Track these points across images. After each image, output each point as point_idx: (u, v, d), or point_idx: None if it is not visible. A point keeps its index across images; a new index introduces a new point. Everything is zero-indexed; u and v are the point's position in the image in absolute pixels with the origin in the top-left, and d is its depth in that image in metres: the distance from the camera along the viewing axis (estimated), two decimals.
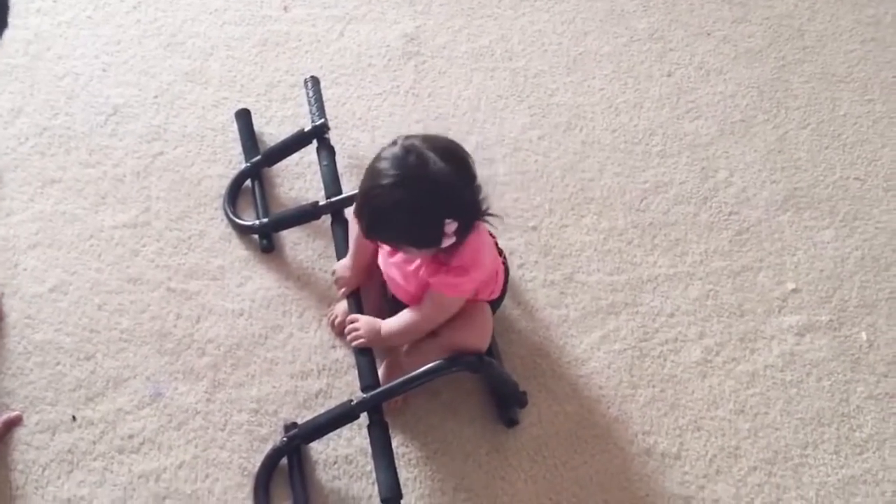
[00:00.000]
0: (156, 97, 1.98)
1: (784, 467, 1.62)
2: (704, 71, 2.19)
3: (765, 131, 2.10)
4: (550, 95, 2.10)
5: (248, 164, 1.86)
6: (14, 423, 1.53)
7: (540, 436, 1.61)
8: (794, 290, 1.85)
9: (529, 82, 2.12)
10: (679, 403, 1.68)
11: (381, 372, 1.59)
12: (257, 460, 1.53)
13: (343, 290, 1.66)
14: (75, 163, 1.86)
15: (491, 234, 1.55)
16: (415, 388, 1.53)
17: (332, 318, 1.69)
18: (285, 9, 2.18)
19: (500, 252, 1.62)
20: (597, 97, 2.11)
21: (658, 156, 2.02)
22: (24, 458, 1.51)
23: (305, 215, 1.77)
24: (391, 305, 1.63)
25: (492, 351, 1.60)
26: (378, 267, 1.66)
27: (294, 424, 1.56)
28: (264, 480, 1.51)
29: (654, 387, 1.69)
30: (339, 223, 1.73)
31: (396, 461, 1.48)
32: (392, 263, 1.53)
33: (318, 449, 1.56)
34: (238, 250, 1.78)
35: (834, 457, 1.64)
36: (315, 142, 1.82)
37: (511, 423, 1.61)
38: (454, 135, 1.47)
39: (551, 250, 1.85)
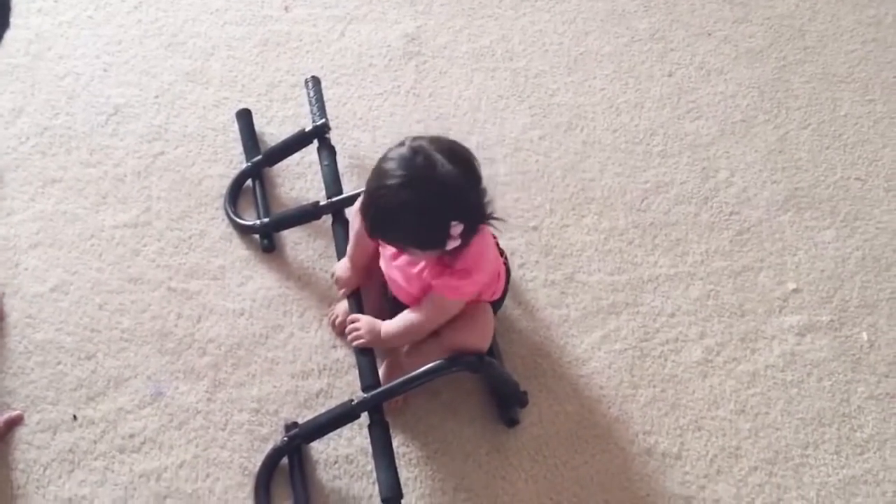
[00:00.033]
0: (157, 97, 1.98)
1: (785, 467, 1.62)
2: (705, 71, 2.19)
3: (765, 131, 2.10)
4: (551, 95, 2.10)
5: (249, 164, 1.86)
6: (15, 422, 1.53)
7: (540, 436, 1.61)
8: (795, 291, 1.85)
9: (530, 82, 2.12)
10: (680, 403, 1.68)
11: (381, 372, 1.59)
12: (258, 460, 1.53)
13: (343, 290, 1.66)
14: (76, 162, 1.86)
15: (493, 235, 1.55)
16: (415, 387, 1.53)
17: (332, 318, 1.69)
18: (286, 9, 2.18)
19: (502, 252, 1.62)
20: (598, 97, 2.11)
21: (659, 156, 2.02)
22: (25, 457, 1.51)
23: (306, 215, 1.77)
24: (392, 306, 1.63)
25: (492, 351, 1.60)
26: (378, 267, 1.66)
27: (295, 424, 1.56)
28: (265, 480, 1.51)
29: (654, 387, 1.69)
30: (340, 223, 1.73)
31: (397, 461, 1.48)
32: (395, 266, 1.53)
33: (319, 448, 1.56)
34: (239, 250, 1.78)
35: (835, 457, 1.64)
36: (316, 142, 1.83)
37: (512, 422, 1.61)
38: (455, 135, 1.47)
39: (552, 250, 1.85)
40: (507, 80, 2.11)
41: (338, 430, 1.55)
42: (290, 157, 1.87)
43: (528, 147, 2.00)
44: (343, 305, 1.67)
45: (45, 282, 1.69)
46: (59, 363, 1.61)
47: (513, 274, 1.70)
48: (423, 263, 1.47)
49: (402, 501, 1.45)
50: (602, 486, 1.57)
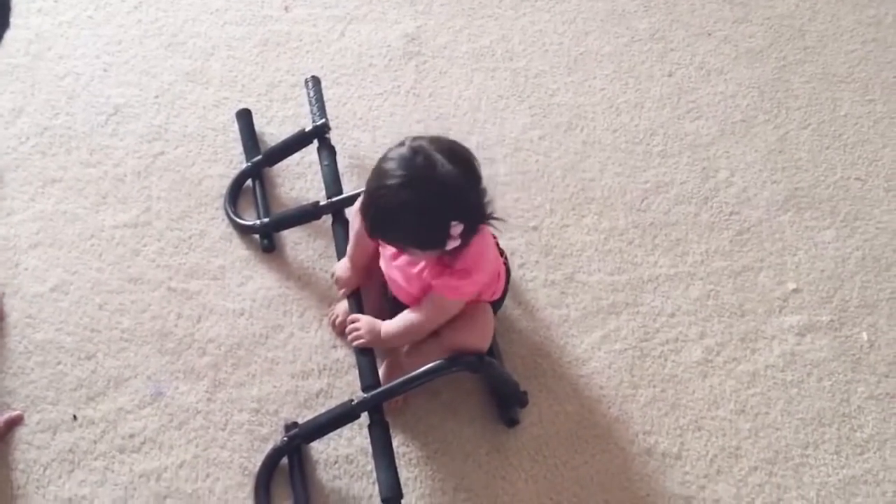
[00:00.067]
0: (157, 97, 1.98)
1: (785, 467, 1.62)
2: (705, 71, 2.19)
3: (765, 131, 2.10)
4: (551, 95, 2.10)
5: (249, 164, 1.86)
6: (15, 422, 1.53)
7: (540, 435, 1.61)
8: (795, 291, 1.85)
9: (530, 82, 2.12)
10: (680, 403, 1.68)
11: (381, 372, 1.59)
12: (258, 460, 1.53)
13: (343, 290, 1.66)
14: (76, 162, 1.86)
15: (493, 235, 1.55)
16: (415, 387, 1.53)
17: (332, 318, 1.69)
18: (286, 9, 2.18)
19: (502, 252, 1.62)
20: (598, 97, 2.11)
21: (659, 156, 2.02)
22: (25, 457, 1.51)
23: (306, 215, 1.77)
24: (391, 306, 1.63)
25: (492, 351, 1.60)
26: (378, 267, 1.66)
27: (295, 424, 1.56)
28: (265, 480, 1.51)
29: (654, 387, 1.69)
30: (340, 223, 1.73)
31: (397, 461, 1.48)
32: (395, 266, 1.53)
33: (319, 448, 1.56)
34: (239, 250, 1.78)
35: (835, 457, 1.64)
36: (316, 142, 1.83)
37: (512, 422, 1.61)
38: (455, 135, 1.47)
39: (552, 250, 1.85)
40: (507, 80, 2.11)
41: (338, 430, 1.55)
42: (290, 157, 1.87)
43: (528, 147, 2.00)
44: (343, 305, 1.67)
45: (45, 282, 1.69)
46: (59, 363, 1.61)
47: (513, 274, 1.70)
48: (423, 263, 1.47)
49: (402, 501, 1.45)
50: (602, 486, 1.57)
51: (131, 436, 1.54)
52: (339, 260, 1.69)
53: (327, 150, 1.81)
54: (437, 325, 1.51)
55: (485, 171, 1.42)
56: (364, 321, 1.58)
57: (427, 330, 1.53)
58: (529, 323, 1.74)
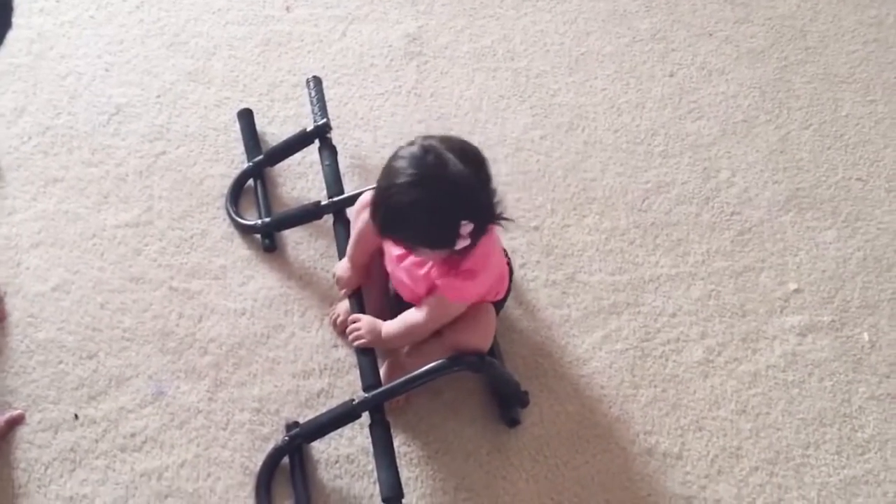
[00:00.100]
0: (158, 97, 1.98)
1: (786, 467, 1.62)
2: (707, 71, 2.19)
3: (767, 132, 2.10)
4: (552, 95, 2.10)
5: (251, 164, 1.86)
6: (16, 421, 1.53)
7: (541, 435, 1.61)
8: (796, 291, 1.85)
9: (531, 82, 2.12)
10: (681, 403, 1.68)
11: (382, 371, 1.59)
12: (259, 459, 1.53)
13: (344, 290, 1.66)
14: (78, 162, 1.86)
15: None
16: (416, 387, 1.53)
17: (333, 318, 1.69)
18: (288, 9, 2.19)
19: (505, 253, 1.62)
20: (599, 97, 2.11)
21: (660, 156, 2.02)
22: (26, 456, 1.51)
23: (307, 215, 1.77)
24: (393, 306, 1.63)
25: (493, 351, 1.60)
26: (379, 267, 1.66)
27: (296, 423, 1.56)
28: (266, 479, 1.51)
29: (655, 387, 1.69)
30: (342, 223, 1.73)
31: (398, 460, 1.48)
32: (402, 267, 1.52)
33: (320, 448, 1.56)
34: (240, 250, 1.78)
35: (836, 457, 1.64)
36: (317, 141, 1.83)
37: (513, 422, 1.61)
38: (456, 135, 1.47)
39: (553, 250, 1.85)
40: (508, 80, 2.11)
41: (339, 430, 1.55)
42: (291, 157, 1.87)
43: (529, 147, 2.00)
44: (344, 305, 1.67)
45: (47, 281, 1.70)
46: (60, 362, 1.61)
47: (514, 274, 1.70)
48: (430, 265, 1.47)
49: (403, 501, 1.45)
50: (603, 485, 1.57)
51: (132, 435, 1.55)
52: (340, 260, 1.69)
53: (328, 150, 1.81)
54: (438, 326, 1.51)
55: None
56: (365, 321, 1.58)
57: (428, 331, 1.53)
58: (530, 323, 1.74)
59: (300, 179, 1.89)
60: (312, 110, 1.86)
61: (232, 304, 1.70)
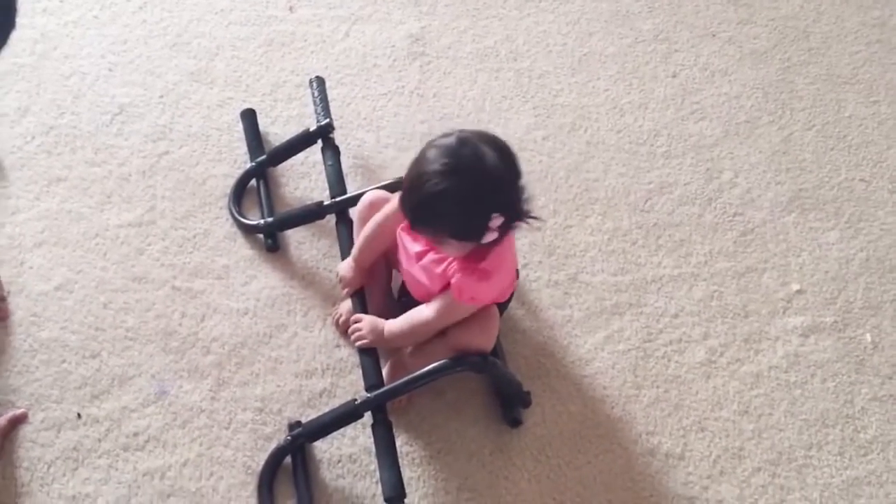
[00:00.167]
0: (161, 97, 1.99)
1: (788, 468, 1.62)
2: (709, 72, 2.19)
3: (770, 132, 2.10)
4: (555, 96, 2.10)
5: (253, 164, 1.86)
6: (19, 420, 1.53)
7: (544, 436, 1.61)
8: (799, 292, 1.85)
9: (534, 83, 2.12)
10: (683, 404, 1.68)
11: (385, 371, 1.59)
12: (261, 459, 1.53)
13: (347, 289, 1.66)
14: (81, 162, 1.87)
15: None
16: (419, 387, 1.53)
17: (336, 318, 1.69)
18: (291, 9, 2.19)
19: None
20: (601, 98, 2.11)
21: (663, 157, 2.02)
22: (29, 455, 1.51)
23: (310, 215, 1.77)
24: (394, 305, 1.63)
25: (496, 351, 1.60)
26: (381, 267, 1.66)
27: (298, 423, 1.56)
28: (268, 479, 1.51)
29: (658, 387, 1.69)
30: (344, 223, 1.73)
31: (400, 460, 1.48)
32: (419, 265, 1.52)
33: (322, 448, 1.56)
34: (243, 249, 1.78)
35: (838, 458, 1.64)
36: (320, 142, 1.83)
37: (515, 422, 1.61)
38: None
39: (555, 250, 1.85)
40: (511, 80, 2.11)
41: (341, 430, 1.55)
42: (294, 157, 1.87)
43: (531, 147, 2.00)
44: (347, 305, 1.67)
45: (50, 280, 1.70)
46: (63, 361, 1.61)
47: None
48: (447, 262, 1.47)
49: (405, 501, 1.45)
50: (605, 486, 1.57)
51: (135, 434, 1.55)
52: (342, 259, 1.69)
53: (331, 150, 1.81)
54: (445, 325, 1.51)
55: None
56: (366, 321, 1.58)
57: (433, 330, 1.53)
58: (533, 323, 1.74)
59: (303, 179, 1.89)
60: (315, 110, 1.86)
61: (234, 303, 1.71)
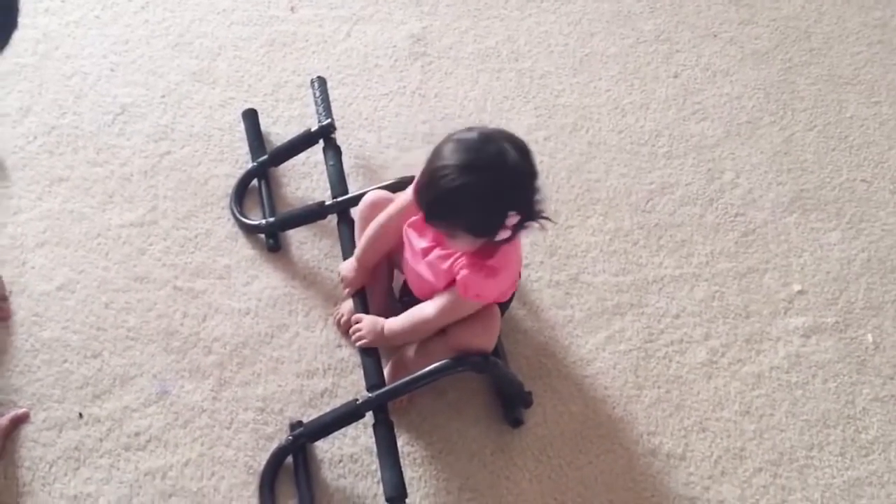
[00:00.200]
0: (163, 97, 1.99)
1: (789, 469, 1.62)
2: (711, 72, 2.19)
3: (771, 133, 2.10)
4: (556, 96, 2.10)
5: (255, 164, 1.86)
6: (21, 420, 1.54)
7: (545, 436, 1.61)
8: (800, 292, 1.85)
9: (535, 83, 2.12)
10: (684, 404, 1.68)
11: (386, 371, 1.59)
12: (263, 458, 1.53)
13: (348, 289, 1.66)
14: (83, 161, 1.87)
15: None
16: (420, 387, 1.53)
17: (337, 318, 1.69)
18: (292, 9, 2.19)
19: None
20: (603, 98, 2.11)
21: (664, 157, 2.02)
22: (31, 454, 1.51)
23: (312, 215, 1.77)
24: (396, 305, 1.63)
25: (497, 351, 1.60)
26: (383, 267, 1.66)
27: (299, 423, 1.56)
28: (270, 479, 1.51)
29: (659, 387, 1.69)
30: (346, 223, 1.73)
31: (401, 460, 1.48)
32: (425, 262, 1.51)
33: (324, 448, 1.56)
34: (244, 249, 1.78)
35: (839, 458, 1.64)
36: (321, 142, 1.83)
37: (516, 423, 1.61)
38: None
39: (557, 251, 1.85)
40: (512, 80, 2.12)
41: (342, 430, 1.55)
42: (295, 157, 1.87)
43: (533, 148, 1.94)
44: (348, 304, 1.67)
45: (52, 280, 1.70)
46: (65, 361, 1.61)
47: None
48: (453, 259, 1.46)
49: (407, 501, 1.45)
50: (606, 486, 1.57)
51: (137, 434, 1.55)
52: (344, 259, 1.69)
53: (333, 150, 1.81)
54: (446, 323, 1.51)
55: None
56: (366, 321, 1.58)
57: (434, 328, 1.52)
58: (534, 323, 1.74)
59: (304, 179, 1.89)
60: (317, 110, 1.86)
61: (236, 303, 1.71)
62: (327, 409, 1.56)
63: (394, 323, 1.55)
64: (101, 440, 1.54)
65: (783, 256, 1.89)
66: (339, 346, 1.68)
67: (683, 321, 1.78)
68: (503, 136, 1.38)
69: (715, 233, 1.91)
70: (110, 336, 1.65)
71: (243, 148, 1.92)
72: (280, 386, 1.62)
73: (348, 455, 1.56)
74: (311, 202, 1.80)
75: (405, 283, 1.65)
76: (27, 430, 1.54)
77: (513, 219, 1.37)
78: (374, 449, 1.50)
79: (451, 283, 1.47)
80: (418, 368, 1.51)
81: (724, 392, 1.70)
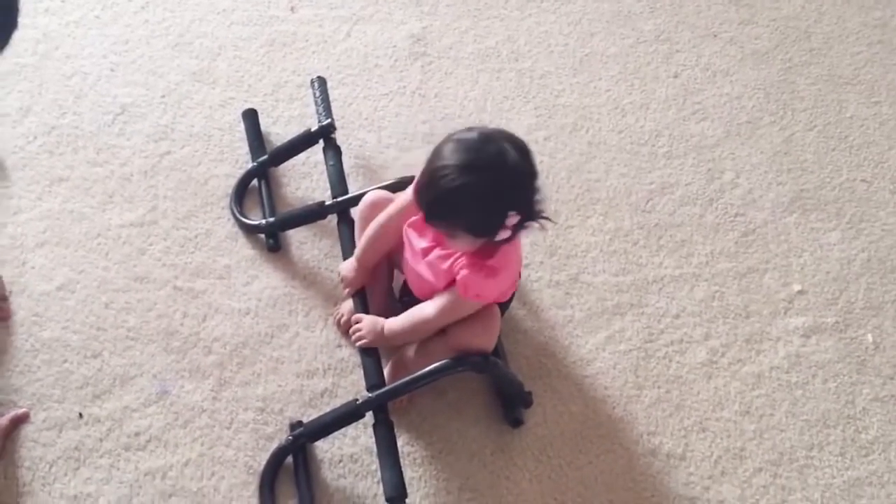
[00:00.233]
0: (163, 97, 1.99)
1: (789, 469, 1.62)
2: (711, 72, 2.19)
3: (771, 133, 2.10)
4: (556, 96, 2.10)
5: (255, 164, 1.86)
6: (21, 420, 1.54)
7: (545, 436, 1.61)
8: (800, 292, 1.85)
9: (535, 83, 2.12)
10: (684, 404, 1.68)
11: (386, 371, 1.59)
12: (263, 458, 1.53)
13: (348, 289, 1.66)
14: (83, 161, 1.87)
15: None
16: (420, 387, 1.53)
17: (337, 318, 1.69)
18: (292, 9, 2.19)
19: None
20: (603, 98, 2.11)
21: (664, 157, 2.02)
22: (31, 454, 1.51)
23: (312, 215, 1.77)
24: (396, 305, 1.63)
25: (497, 351, 1.60)
26: (383, 267, 1.66)
27: (300, 423, 1.56)
28: (270, 479, 1.51)
29: (659, 387, 1.69)
30: (346, 223, 1.73)
31: (401, 460, 1.48)
32: (425, 262, 1.51)
33: (324, 448, 1.56)
34: (244, 249, 1.78)
35: (839, 458, 1.64)
36: (321, 142, 1.83)
37: (516, 423, 1.61)
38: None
39: (557, 251, 1.85)
40: (512, 80, 2.12)
41: (342, 430, 1.55)
42: (295, 157, 1.87)
43: (533, 148, 1.94)
44: (348, 304, 1.67)
45: (52, 280, 1.70)
46: (65, 361, 1.61)
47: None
48: (453, 259, 1.46)
49: (407, 501, 1.45)
50: (606, 486, 1.57)
51: (137, 434, 1.55)
52: (344, 259, 1.69)
53: (333, 150, 1.81)
54: (447, 323, 1.51)
55: None
56: (365, 321, 1.58)
57: (434, 328, 1.53)
58: (534, 323, 1.75)
59: (304, 179, 1.89)
60: (317, 110, 1.86)
61: (236, 303, 1.71)
62: (327, 409, 1.56)
63: (394, 323, 1.55)
64: (101, 440, 1.54)
65: (783, 256, 1.89)
66: (339, 346, 1.68)
67: (683, 321, 1.78)
68: (503, 136, 1.38)
69: (715, 233, 1.91)
70: (110, 336, 1.65)
71: (243, 148, 1.92)
72: (280, 386, 1.62)
73: (348, 455, 1.56)
74: (311, 202, 1.80)
75: (405, 284, 1.65)
76: (27, 430, 1.54)
77: (513, 219, 1.37)
78: (374, 449, 1.50)
79: (451, 283, 1.48)
80: (418, 368, 1.51)
81: (724, 392, 1.70)
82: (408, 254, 1.56)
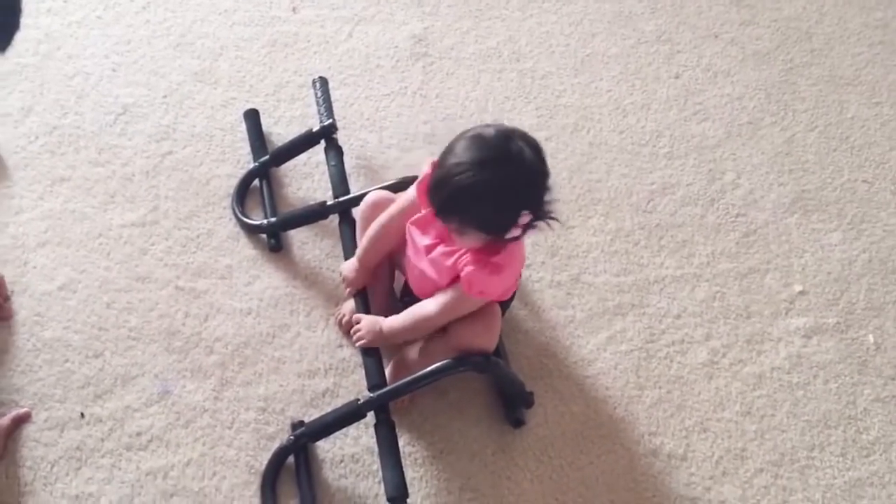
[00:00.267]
0: (165, 97, 1.99)
1: (790, 469, 1.62)
2: (712, 73, 2.19)
3: (772, 134, 2.10)
4: (558, 97, 2.10)
5: (257, 164, 1.86)
6: (23, 419, 1.54)
7: (546, 436, 1.61)
8: (802, 293, 1.85)
9: (537, 83, 2.12)
10: (685, 405, 1.68)
11: (388, 371, 1.59)
12: (264, 458, 1.53)
13: (350, 289, 1.66)
14: (85, 162, 1.87)
15: None
16: (422, 387, 1.53)
17: (339, 318, 1.69)
18: (294, 10, 2.19)
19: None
20: (604, 99, 2.11)
21: (665, 157, 2.03)
22: (32, 454, 1.51)
23: (313, 215, 1.78)
24: (398, 305, 1.63)
25: (499, 351, 1.60)
26: (385, 267, 1.67)
27: (301, 423, 1.56)
28: (271, 478, 1.51)
29: (660, 388, 1.69)
30: (347, 223, 1.73)
31: (403, 460, 1.48)
32: (429, 259, 1.51)
33: (325, 447, 1.56)
34: (246, 249, 1.78)
35: (840, 459, 1.64)
36: (323, 142, 1.83)
37: (517, 423, 1.61)
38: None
39: (558, 251, 1.85)
40: (513, 81, 2.12)
41: (344, 430, 1.55)
42: (297, 157, 1.88)
43: None
44: (349, 304, 1.67)
45: (54, 280, 1.70)
46: (66, 361, 1.61)
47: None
48: (457, 255, 1.46)
49: (408, 501, 1.45)
50: (608, 486, 1.57)
51: (138, 434, 1.55)
52: (346, 259, 1.69)
53: (334, 151, 1.81)
54: (448, 320, 1.50)
55: None
56: (365, 321, 1.58)
57: (434, 325, 1.52)
58: (535, 324, 1.75)
59: (306, 179, 1.89)
60: (318, 111, 1.86)
61: (238, 303, 1.71)
62: (329, 409, 1.56)
63: (393, 321, 1.55)
64: (102, 440, 1.54)
65: (784, 257, 1.89)
66: (341, 345, 1.68)
67: (684, 321, 1.78)
68: (518, 134, 1.38)
69: (716, 233, 1.91)
70: (112, 336, 1.65)
71: (245, 148, 1.92)
72: (282, 386, 1.62)
73: (350, 455, 1.56)
74: (312, 202, 1.81)
75: (406, 284, 1.65)
76: (29, 430, 1.54)
77: (525, 218, 1.37)
78: (376, 449, 1.50)
79: (454, 280, 1.47)
80: (420, 368, 1.51)
81: (726, 392, 1.70)
82: (410, 251, 1.56)
